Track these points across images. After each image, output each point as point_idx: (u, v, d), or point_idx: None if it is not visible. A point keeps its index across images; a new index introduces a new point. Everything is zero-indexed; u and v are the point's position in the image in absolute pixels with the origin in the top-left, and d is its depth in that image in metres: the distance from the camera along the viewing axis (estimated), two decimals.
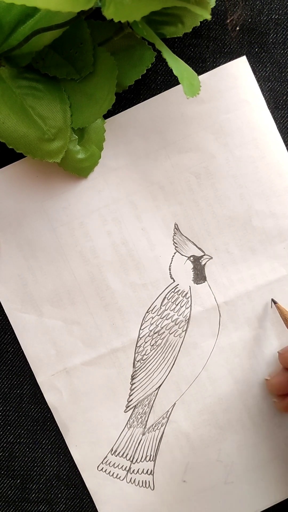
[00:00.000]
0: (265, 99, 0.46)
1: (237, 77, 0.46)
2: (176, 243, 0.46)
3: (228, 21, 0.46)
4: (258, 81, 0.47)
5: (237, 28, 0.46)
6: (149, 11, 0.33)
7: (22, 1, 0.32)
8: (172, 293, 0.46)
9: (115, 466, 0.46)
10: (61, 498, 0.47)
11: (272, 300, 0.47)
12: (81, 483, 0.47)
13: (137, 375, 0.46)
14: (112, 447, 0.46)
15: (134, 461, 0.46)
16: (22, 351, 0.47)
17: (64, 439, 0.47)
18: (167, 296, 0.46)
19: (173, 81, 0.47)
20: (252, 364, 0.47)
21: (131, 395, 0.46)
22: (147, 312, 0.46)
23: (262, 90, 0.47)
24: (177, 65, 0.38)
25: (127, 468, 0.46)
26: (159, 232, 0.46)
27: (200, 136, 0.46)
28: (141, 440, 0.46)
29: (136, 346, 0.46)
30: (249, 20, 0.47)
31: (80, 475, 0.47)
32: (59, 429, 0.47)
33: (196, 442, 0.46)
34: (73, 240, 0.46)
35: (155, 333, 0.46)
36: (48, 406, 0.47)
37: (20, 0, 0.32)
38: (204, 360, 0.46)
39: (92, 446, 0.46)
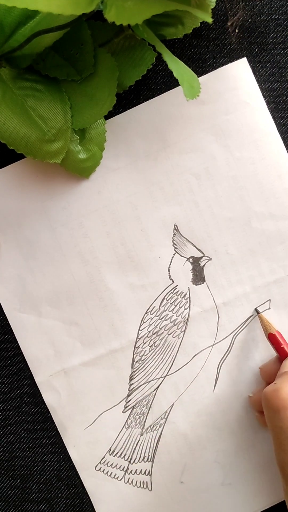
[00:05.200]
0: (265, 99, 0.46)
1: (238, 78, 0.46)
2: (175, 244, 0.47)
3: (229, 24, 0.46)
4: (258, 81, 0.47)
5: (236, 31, 0.46)
6: (150, 15, 0.33)
7: (24, 4, 0.32)
8: (171, 294, 0.46)
9: (113, 466, 0.47)
10: (61, 498, 0.47)
11: (256, 309, 0.47)
12: (81, 483, 0.47)
13: (135, 375, 0.46)
14: (110, 447, 0.47)
15: (132, 461, 0.47)
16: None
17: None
18: (166, 297, 0.46)
19: (173, 82, 0.47)
20: (250, 365, 0.47)
21: (130, 395, 0.46)
22: (146, 313, 0.46)
23: (262, 90, 0.46)
24: (177, 67, 0.38)
25: (125, 469, 0.47)
26: (159, 233, 0.46)
27: (200, 137, 0.46)
28: (139, 440, 0.47)
29: (134, 347, 0.46)
30: (249, 20, 0.47)
31: None
32: None
33: (194, 443, 0.47)
34: (72, 240, 0.46)
35: (154, 334, 0.47)
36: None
37: (21, 3, 0.32)
38: (202, 361, 0.47)
39: (90, 446, 0.47)
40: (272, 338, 0.45)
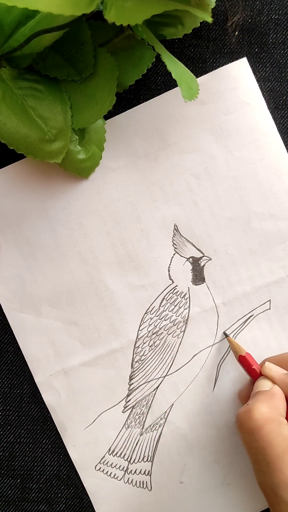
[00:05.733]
0: (265, 99, 0.46)
1: (238, 78, 0.46)
2: (175, 244, 0.47)
3: (228, 24, 0.46)
4: (258, 81, 0.47)
5: (236, 33, 0.46)
6: (150, 15, 0.32)
7: (24, 3, 0.32)
8: (171, 294, 0.46)
9: (112, 466, 0.47)
10: (61, 498, 0.47)
11: (224, 333, 0.47)
12: (81, 483, 0.47)
13: (135, 375, 0.46)
14: (110, 447, 0.47)
15: (131, 461, 0.47)
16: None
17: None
18: (165, 297, 0.46)
19: (173, 82, 0.47)
20: None
21: (129, 395, 0.46)
22: (145, 313, 0.46)
23: (262, 90, 0.46)
24: (176, 68, 0.38)
25: (125, 469, 0.47)
26: (159, 233, 0.46)
27: (200, 137, 0.46)
28: (139, 440, 0.47)
29: (134, 347, 0.46)
30: (249, 20, 0.47)
31: None
32: None
33: (193, 443, 0.47)
34: (72, 240, 0.46)
35: (154, 333, 0.47)
36: None
37: (21, 2, 0.32)
38: (202, 361, 0.47)
39: (90, 446, 0.47)
40: (243, 360, 0.44)
